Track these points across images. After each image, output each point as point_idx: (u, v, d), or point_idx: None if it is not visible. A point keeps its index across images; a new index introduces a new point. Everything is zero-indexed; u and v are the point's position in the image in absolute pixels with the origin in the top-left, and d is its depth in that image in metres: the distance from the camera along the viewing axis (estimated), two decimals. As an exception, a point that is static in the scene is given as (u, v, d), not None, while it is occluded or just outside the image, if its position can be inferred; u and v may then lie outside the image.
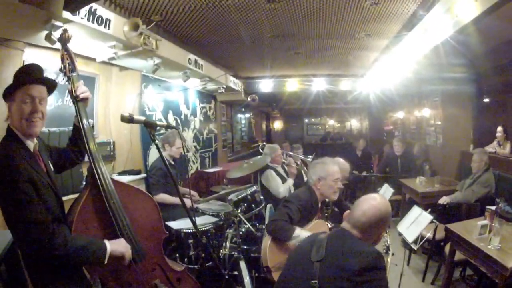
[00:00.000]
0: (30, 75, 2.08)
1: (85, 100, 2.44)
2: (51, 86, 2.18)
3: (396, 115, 11.82)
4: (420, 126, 9.53)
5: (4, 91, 2.02)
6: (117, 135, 5.23)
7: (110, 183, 2.25)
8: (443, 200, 5.36)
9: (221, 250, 4.09)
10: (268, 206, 4.13)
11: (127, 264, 2.23)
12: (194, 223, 2.49)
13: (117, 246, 2.15)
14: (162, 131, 5.76)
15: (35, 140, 2.12)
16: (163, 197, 4.70)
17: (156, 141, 2.27)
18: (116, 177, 4.77)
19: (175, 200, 4.74)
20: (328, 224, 3.82)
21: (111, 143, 5.08)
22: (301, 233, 3.11)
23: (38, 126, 2.06)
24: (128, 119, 2.20)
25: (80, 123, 2.35)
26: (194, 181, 7.66)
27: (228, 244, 4.14)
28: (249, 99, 8.79)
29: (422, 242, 3.77)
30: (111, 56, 4.05)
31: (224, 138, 10.38)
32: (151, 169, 4.98)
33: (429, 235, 4.12)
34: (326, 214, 4.15)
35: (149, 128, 2.26)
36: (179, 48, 5.37)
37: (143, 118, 2.26)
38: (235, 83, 8.79)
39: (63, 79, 2.52)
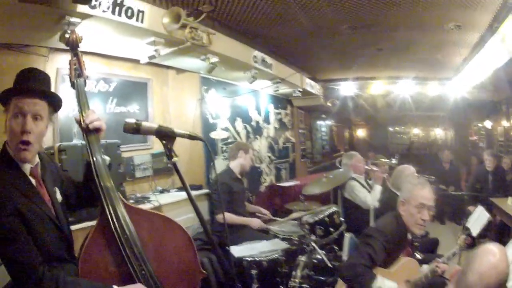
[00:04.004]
0: (21, 83, 1.74)
1: (97, 131, 1.95)
2: (53, 101, 1.80)
3: (482, 124, 10.96)
4: (509, 138, 8.69)
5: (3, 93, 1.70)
6: (177, 145, 4.66)
7: (128, 223, 1.78)
8: None
9: (291, 281, 3.57)
10: (348, 236, 3.45)
11: None
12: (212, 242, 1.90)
13: None
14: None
15: (36, 159, 1.79)
16: (227, 216, 4.15)
17: (175, 159, 1.72)
18: (175, 193, 4.47)
19: (242, 220, 4.27)
20: (418, 255, 3.18)
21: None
22: (383, 284, 2.45)
23: (30, 151, 1.68)
24: (134, 129, 1.64)
25: (92, 160, 1.87)
26: (267, 196, 7.08)
27: (299, 273, 3.61)
28: (328, 104, 8.06)
29: None
30: (151, 55, 3.59)
31: (303, 147, 9.62)
32: (214, 183, 4.55)
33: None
34: (415, 243, 3.37)
35: (163, 140, 1.70)
36: (240, 44, 4.81)
37: (155, 126, 1.68)
38: (312, 86, 8.01)
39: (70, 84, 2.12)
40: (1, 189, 1.58)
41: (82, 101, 1.99)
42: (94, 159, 1.86)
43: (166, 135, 1.69)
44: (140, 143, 4.40)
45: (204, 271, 2.08)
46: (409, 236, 2.90)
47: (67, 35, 2.13)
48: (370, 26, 5.24)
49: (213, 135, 5.52)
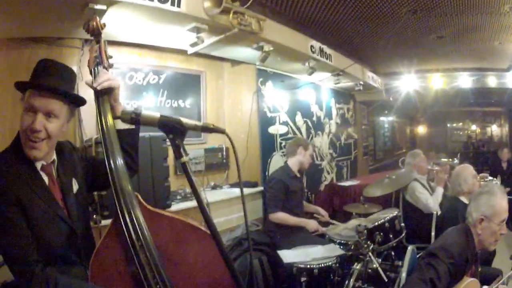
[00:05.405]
0: (35, 78, 1.60)
1: (110, 92, 1.77)
2: (70, 98, 1.67)
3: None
4: None
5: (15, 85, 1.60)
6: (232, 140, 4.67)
7: (144, 230, 1.58)
8: None
9: None
10: (410, 248, 3.03)
11: None
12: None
13: None
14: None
15: (52, 156, 1.70)
16: (282, 216, 3.96)
17: (184, 158, 1.36)
18: (228, 189, 4.40)
19: (297, 221, 4.01)
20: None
21: (224, 149, 4.59)
22: None
23: (40, 150, 1.57)
24: (132, 119, 1.36)
25: (106, 158, 1.66)
26: (326, 196, 6.78)
27: (351, 283, 3.33)
28: (390, 99, 7.61)
29: None
30: (193, 42, 3.38)
31: (365, 144, 9.24)
32: (269, 181, 4.25)
33: None
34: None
35: (169, 133, 1.37)
36: (294, 32, 4.52)
37: (156, 115, 1.37)
38: (374, 80, 7.57)
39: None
40: (6, 179, 1.50)
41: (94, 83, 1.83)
42: (112, 161, 1.66)
43: (173, 128, 1.37)
44: (194, 137, 4.35)
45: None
46: (477, 256, 2.54)
47: (89, 23, 1.97)
48: (430, 9, 4.94)
49: (271, 129, 5.30)
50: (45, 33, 3.06)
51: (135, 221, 1.57)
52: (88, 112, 3.20)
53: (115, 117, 1.74)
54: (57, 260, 1.59)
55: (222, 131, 1.44)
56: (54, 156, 1.70)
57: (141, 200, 1.62)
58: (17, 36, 3.02)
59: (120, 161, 1.66)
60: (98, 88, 1.71)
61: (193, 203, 3.53)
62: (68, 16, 2.74)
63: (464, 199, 3.68)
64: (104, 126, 1.70)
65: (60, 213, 1.63)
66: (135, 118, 1.36)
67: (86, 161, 1.92)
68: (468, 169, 3.89)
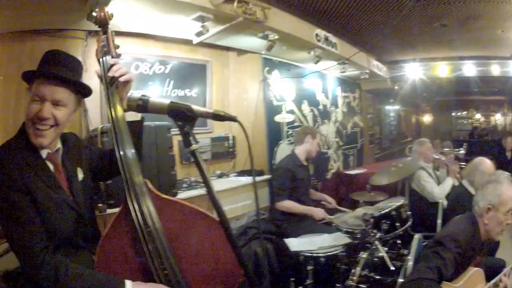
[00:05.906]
0: (42, 67, 1.62)
1: (126, 84, 1.72)
2: (77, 89, 1.69)
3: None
4: None
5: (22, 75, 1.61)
6: (238, 129, 4.61)
7: (153, 217, 1.55)
8: None
9: (348, 279, 3.28)
10: (416, 237, 3.03)
11: None
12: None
13: None
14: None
15: (57, 145, 1.71)
16: (289, 204, 3.97)
17: (194, 146, 1.36)
18: (234, 178, 4.38)
19: (304, 209, 4.02)
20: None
21: (230, 138, 4.61)
22: None
23: (46, 137, 1.58)
24: (139, 106, 1.35)
25: (116, 147, 1.61)
26: (333, 184, 6.78)
27: (358, 271, 3.29)
28: (396, 87, 7.57)
29: None
30: (198, 31, 3.39)
31: (371, 132, 9.21)
32: (276, 169, 4.30)
33: None
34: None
35: (179, 121, 1.36)
36: (300, 20, 4.52)
37: (166, 102, 1.35)
38: (379, 68, 7.54)
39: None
40: (13, 166, 1.51)
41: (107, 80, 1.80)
42: (122, 152, 1.61)
43: (183, 115, 1.35)
44: (200, 126, 4.34)
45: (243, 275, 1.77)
46: (482, 246, 2.53)
47: (94, 13, 1.94)
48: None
49: (277, 118, 5.30)
50: (47, 25, 3.05)
51: (144, 207, 1.56)
52: (94, 102, 3.21)
53: (125, 110, 1.71)
54: (64, 245, 1.60)
55: (233, 119, 1.42)
56: (59, 145, 1.71)
57: (151, 186, 1.62)
58: (19, 28, 3.02)
59: (130, 150, 1.65)
60: (122, 80, 1.69)
61: (198, 192, 3.54)
62: (71, 7, 2.72)
63: (471, 189, 3.67)
64: (114, 116, 1.68)
65: (67, 200, 1.65)
66: (143, 105, 1.35)
67: (90, 151, 1.93)
68: (486, 165, 3.85)
